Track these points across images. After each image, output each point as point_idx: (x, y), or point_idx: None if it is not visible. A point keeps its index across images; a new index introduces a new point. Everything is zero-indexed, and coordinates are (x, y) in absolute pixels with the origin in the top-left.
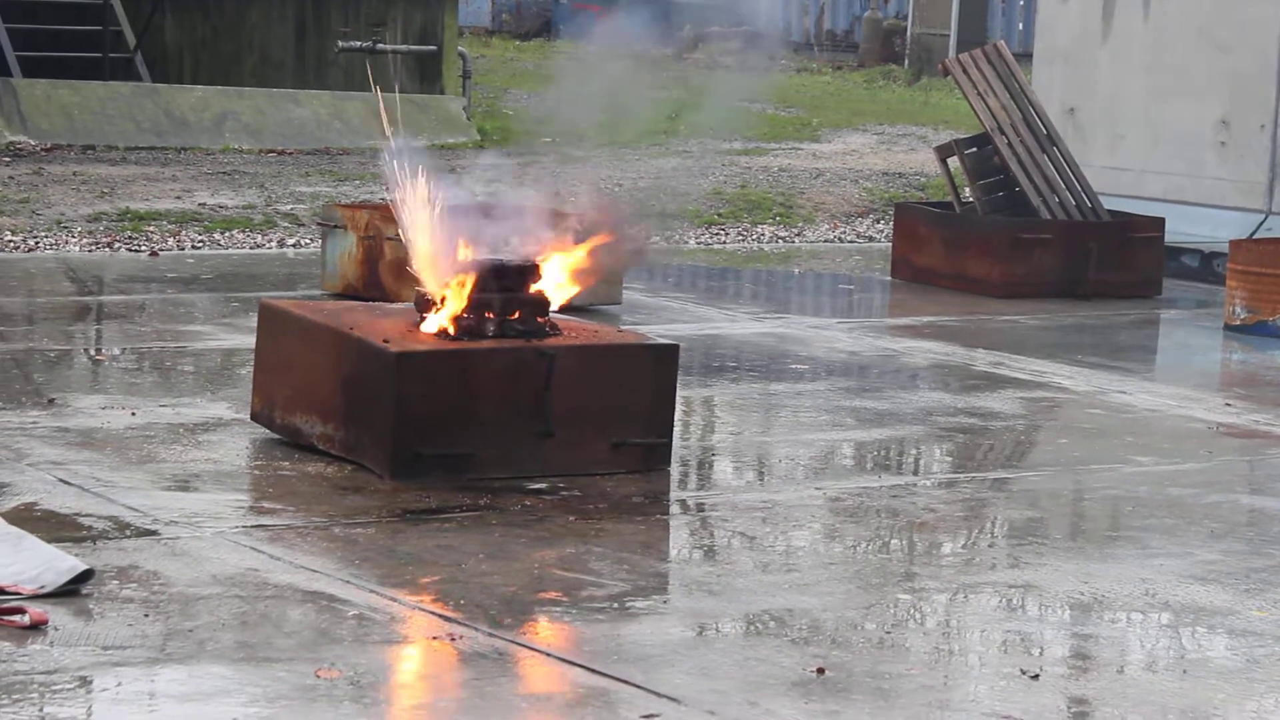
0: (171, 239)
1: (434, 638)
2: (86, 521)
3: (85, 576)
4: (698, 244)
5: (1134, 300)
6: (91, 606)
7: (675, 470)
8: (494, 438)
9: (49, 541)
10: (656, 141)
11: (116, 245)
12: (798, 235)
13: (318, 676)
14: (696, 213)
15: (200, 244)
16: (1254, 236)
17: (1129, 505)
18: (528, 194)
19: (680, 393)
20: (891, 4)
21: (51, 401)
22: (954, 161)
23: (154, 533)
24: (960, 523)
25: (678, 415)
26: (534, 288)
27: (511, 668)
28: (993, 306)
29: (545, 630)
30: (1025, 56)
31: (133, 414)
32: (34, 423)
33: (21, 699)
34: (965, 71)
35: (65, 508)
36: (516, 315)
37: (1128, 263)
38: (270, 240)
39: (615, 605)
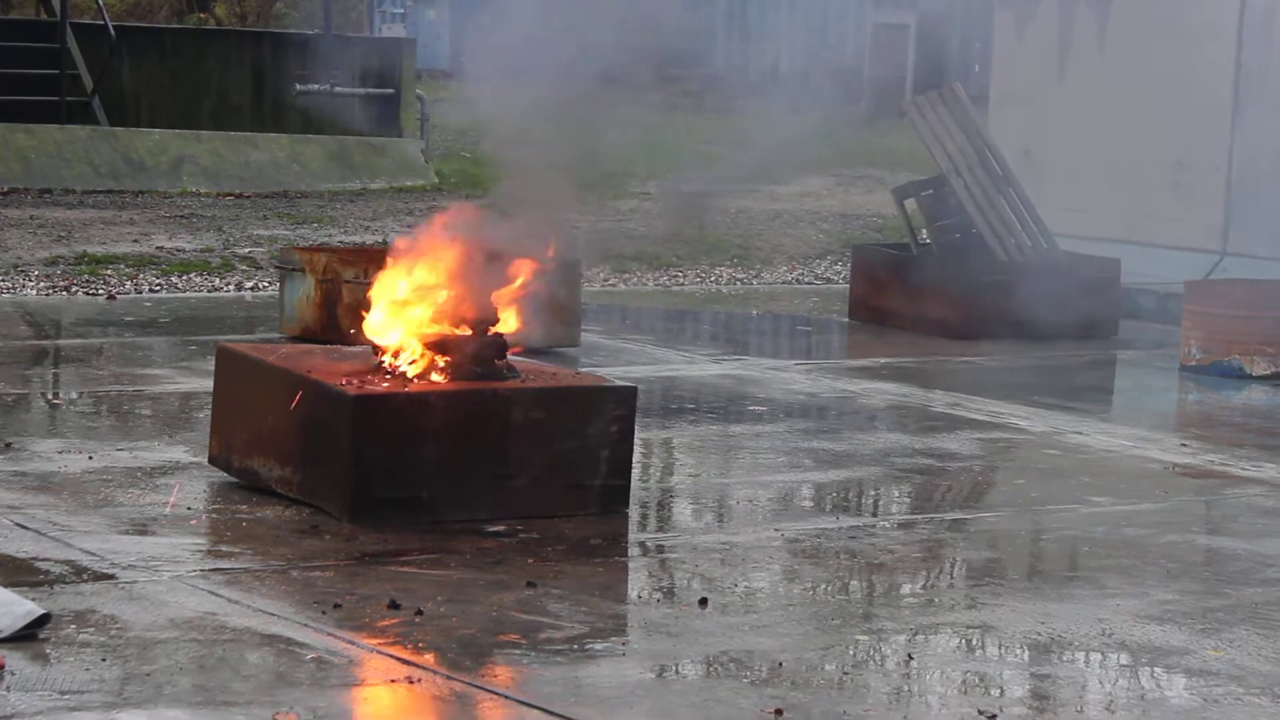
0: (129, 282)
1: (392, 681)
2: (43, 566)
3: (42, 621)
4: (656, 286)
5: (1090, 341)
6: (49, 651)
7: (634, 512)
8: (452, 480)
9: (5, 586)
10: (615, 184)
11: (74, 289)
12: (755, 277)
13: None
14: (656, 254)
15: (158, 287)
16: (1209, 277)
17: (1086, 546)
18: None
19: (639, 435)
20: (848, 46)
21: (8, 446)
22: (911, 203)
23: (111, 577)
24: (918, 564)
25: (636, 457)
26: (491, 330)
27: (470, 710)
28: (950, 348)
29: (504, 673)
30: (982, 98)
31: (90, 458)
32: None
33: None
34: (922, 113)
35: (22, 552)
36: (473, 358)
37: (1084, 304)
38: (228, 283)
39: (574, 647)
